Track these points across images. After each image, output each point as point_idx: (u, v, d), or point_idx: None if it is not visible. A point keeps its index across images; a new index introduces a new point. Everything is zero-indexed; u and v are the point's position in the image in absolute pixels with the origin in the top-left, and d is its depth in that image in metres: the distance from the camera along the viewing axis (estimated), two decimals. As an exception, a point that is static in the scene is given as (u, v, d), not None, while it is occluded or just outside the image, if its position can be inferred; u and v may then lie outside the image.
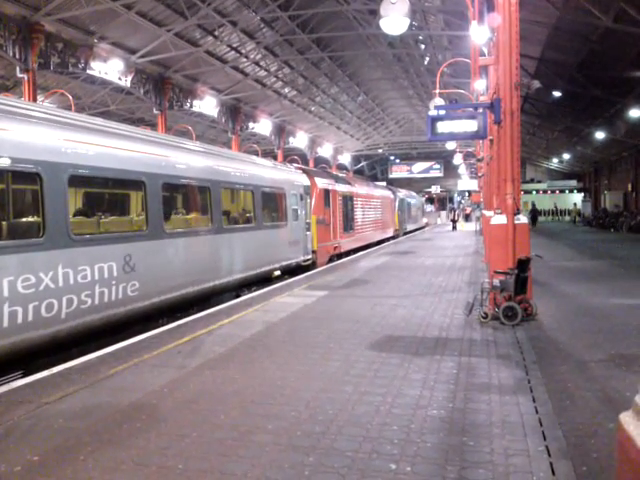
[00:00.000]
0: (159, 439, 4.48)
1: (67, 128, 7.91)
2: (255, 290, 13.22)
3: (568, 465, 3.94)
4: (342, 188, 22.97)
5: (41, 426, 4.81)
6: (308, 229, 17.87)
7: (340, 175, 27.49)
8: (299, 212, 16.95)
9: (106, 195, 9.94)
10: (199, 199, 11.77)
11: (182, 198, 11.63)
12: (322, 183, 20.16)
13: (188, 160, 11.08)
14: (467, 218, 56.74)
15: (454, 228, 42.26)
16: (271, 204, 15.28)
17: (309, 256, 17.86)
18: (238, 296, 12.56)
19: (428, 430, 4.54)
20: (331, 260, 20.47)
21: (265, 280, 14.55)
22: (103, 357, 7.09)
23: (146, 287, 9.06)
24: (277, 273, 15.47)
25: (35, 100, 19.28)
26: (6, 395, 5.65)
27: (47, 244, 7.18)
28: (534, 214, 46.38)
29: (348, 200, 23.83)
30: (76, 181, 8.13)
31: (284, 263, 15.62)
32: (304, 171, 19.18)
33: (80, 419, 4.94)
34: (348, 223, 23.59)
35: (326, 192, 20.33)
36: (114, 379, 6.14)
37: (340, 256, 21.84)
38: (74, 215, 8.27)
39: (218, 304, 11.11)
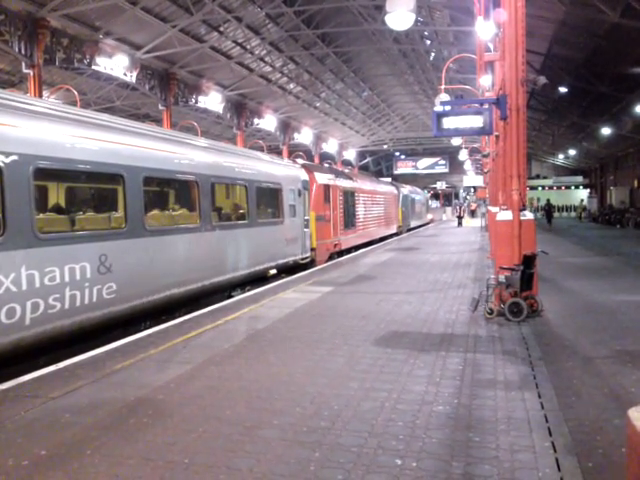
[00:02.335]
0: (165, 434, 4.50)
1: (33, 117, 7.22)
2: (249, 290, 12.66)
3: (574, 461, 3.94)
4: (343, 183, 22.49)
5: (48, 421, 4.83)
6: (306, 226, 17.18)
7: (341, 170, 27.24)
8: (297, 208, 16.24)
9: (79, 190, 9.26)
10: (186, 194, 11.11)
11: (166, 193, 11.04)
12: (322, 178, 19.64)
13: (173, 152, 10.31)
14: (473, 214, 56.69)
15: (460, 224, 42.25)
16: (266, 200, 14.62)
17: (307, 254, 17.24)
18: (230, 297, 12.01)
19: (434, 426, 4.54)
20: (331, 258, 19.97)
21: (260, 279, 13.98)
22: (109, 352, 7.12)
23: (125, 289, 8.44)
24: (273, 272, 14.89)
25: (41, 96, 19.31)
26: (13, 390, 5.68)
27: (7, 243, 6.55)
28: (549, 211, 40.61)
29: (349, 196, 23.34)
30: (43, 175, 7.48)
31: (280, 261, 14.96)
32: (303, 166, 18.61)
33: (87, 414, 4.97)
34: (349, 220, 23.08)
35: (326, 188, 19.83)
36: (120, 374, 6.16)
37: (341, 254, 21.39)
38: (42, 212, 7.69)
39: (208, 305, 10.55)
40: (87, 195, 9.54)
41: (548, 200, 42.32)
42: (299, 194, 16.54)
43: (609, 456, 4.07)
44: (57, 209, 8.30)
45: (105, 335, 8.35)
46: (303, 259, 16.90)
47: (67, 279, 7.34)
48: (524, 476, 3.71)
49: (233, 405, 5.09)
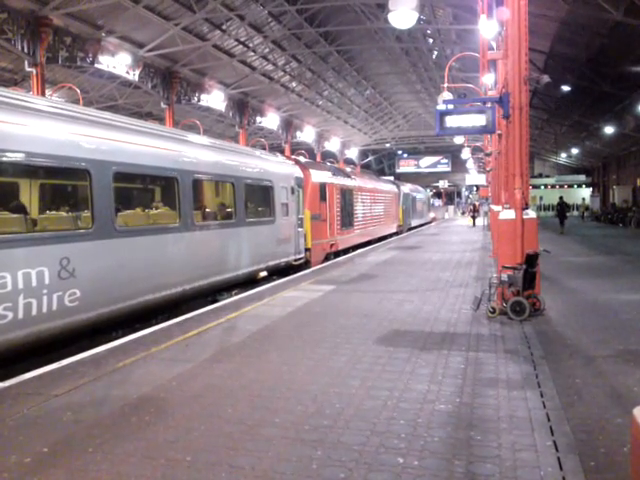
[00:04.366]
0: (167, 432, 4.50)
1: None
2: (236, 294, 12.05)
3: (576, 460, 3.93)
4: (340, 181, 21.69)
5: (50, 418, 4.84)
6: (300, 225, 16.31)
7: (338, 167, 26.85)
8: (290, 207, 15.37)
9: (37, 187, 8.34)
10: (164, 191, 10.40)
11: (141, 190, 10.40)
12: (317, 176, 18.82)
13: (150, 146, 9.53)
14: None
15: (474, 224, 40.33)
16: (256, 198, 13.81)
17: (301, 255, 16.39)
18: (215, 301, 11.39)
19: (435, 424, 4.54)
20: (327, 258, 19.22)
21: (249, 282, 13.25)
22: (112, 350, 7.12)
23: (90, 296, 7.72)
24: (264, 274, 14.18)
25: (44, 94, 19.33)
26: (16, 387, 5.69)
27: None
28: (562, 211, 32.31)
29: (347, 194, 22.56)
30: None
31: (271, 263, 14.12)
32: (297, 162, 17.87)
33: (89, 412, 4.97)
34: (346, 219, 22.26)
35: (322, 185, 19.01)
36: (123, 372, 6.17)
37: (337, 254, 20.62)
38: None
39: (189, 311, 9.85)
40: (46, 193, 8.67)
41: (561, 198, 33.93)
42: (292, 192, 15.69)
43: (611, 455, 4.06)
44: (10, 208, 7.44)
45: (69, 346, 7.74)
46: (296, 260, 16.10)
47: (20, 286, 6.61)
48: (526, 475, 3.71)
49: (235, 403, 5.10)
